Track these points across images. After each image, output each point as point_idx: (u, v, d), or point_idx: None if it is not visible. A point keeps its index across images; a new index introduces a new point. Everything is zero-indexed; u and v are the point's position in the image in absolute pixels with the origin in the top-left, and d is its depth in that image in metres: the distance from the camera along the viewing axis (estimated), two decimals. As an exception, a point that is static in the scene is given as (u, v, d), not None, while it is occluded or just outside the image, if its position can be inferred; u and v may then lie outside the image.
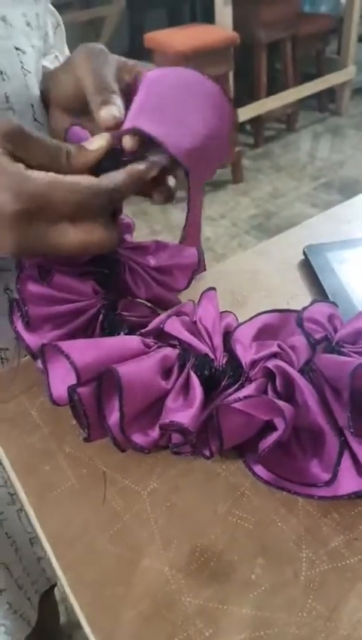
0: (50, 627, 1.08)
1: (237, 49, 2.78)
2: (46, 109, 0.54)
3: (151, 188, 0.48)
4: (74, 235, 0.40)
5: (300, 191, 2.96)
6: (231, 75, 2.85)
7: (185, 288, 0.51)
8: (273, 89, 3.27)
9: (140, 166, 0.43)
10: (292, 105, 3.38)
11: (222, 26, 2.78)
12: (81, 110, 0.50)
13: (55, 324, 0.43)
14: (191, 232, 0.49)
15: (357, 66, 3.52)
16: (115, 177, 0.41)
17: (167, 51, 2.66)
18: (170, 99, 0.46)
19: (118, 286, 0.48)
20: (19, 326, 0.44)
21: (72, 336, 0.44)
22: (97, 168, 0.43)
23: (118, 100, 0.45)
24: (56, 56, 0.63)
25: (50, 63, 0.60)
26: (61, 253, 0.41)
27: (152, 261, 0.49)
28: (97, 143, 0.44)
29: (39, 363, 0.43)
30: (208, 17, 3.02)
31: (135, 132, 0.44)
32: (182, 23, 3.20)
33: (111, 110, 0.44)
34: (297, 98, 3.34)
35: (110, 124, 0.44)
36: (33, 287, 0.44)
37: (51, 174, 0.39)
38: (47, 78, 0.54)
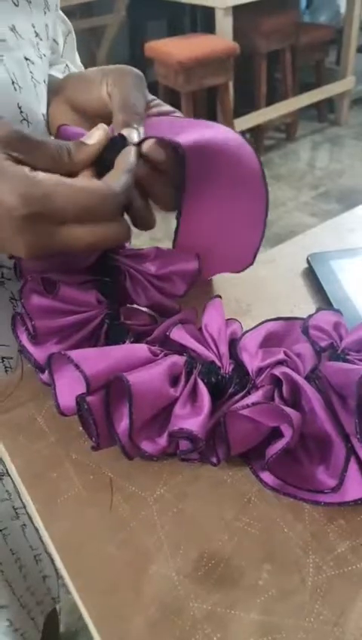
0: (47, 631, 1.08)
1: (237, 59, 2.80)
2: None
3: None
4: (83, 234, 0.40)
5: (299, 200, 2.98)
6: (231, 84, 2.87)
7: (184, 295, 0.51)
8: (273, 99, 3.29)
9: (131, 158, 0.43)
10: (291, 114, 3.41)
11: (223, 36, 2.80)
12: (85, 114, 0.51)
13: (61, 336, 0.44)
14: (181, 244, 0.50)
15: (356, 77, 3.55)
16: (120, 179, 0.42)
17: (168, 61, 2.68)
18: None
19: (118, 294, 0.49)
20: (24, 339, 0.44)
21: (77, 347, 0.44)
22: (99, 160, 0.43)
23: (140, 126, 0.46)
24: (67, 66, 0.63)
25: (60, 74, 0.60)
26: (73, 251, 0.41)
27: (152, 268, 0.49)
28: (96, 136, 0.44)
29: (43, 376, 0.44)
30: (208, 27, 3.04)
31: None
32: (182, 33, 3.23)
33: (132, 134, 0.45)
34: (296, 108, 3.37)
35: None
36: (37, 300, 0.44)
37: (57, 177, 0.39)
38: (67, 80, 0.54)
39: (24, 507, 0.72)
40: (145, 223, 0.48)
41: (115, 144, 0.44)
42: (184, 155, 0.43)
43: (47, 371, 0.42)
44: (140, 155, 0.45)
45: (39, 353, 0.42)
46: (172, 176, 0.46)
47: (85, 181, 0.41)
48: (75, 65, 0.66)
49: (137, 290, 0.49)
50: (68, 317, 0.43)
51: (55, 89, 0.54)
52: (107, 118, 0.48)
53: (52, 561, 0.83)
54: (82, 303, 0.45)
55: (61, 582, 0.87)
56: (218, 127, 0.49)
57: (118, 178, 0.42)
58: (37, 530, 0.75)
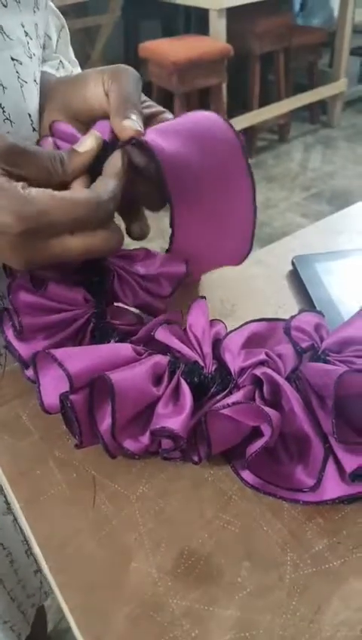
0: (34, 630, 1.08)
1: (231, 60, 2.81)
2: (40, 114, 0.55)
3: (130, 220, 0.50)
4: (76, 244, 0.41)
5: (291, 201, 2.99)
6: (224, 85, 2.88)
7: (170, 296, 0.51)
8: (266, 100, 3.30)
9: (119, 163, 0.44)
10: (284, 116, 3.42)
11: (216, 38, 2.80)
12: (79, 120, 0.51)
13: (47, 333, 0.44)
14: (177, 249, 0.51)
15: (348, 79, 3.57)
16: (108, 186, 0.42)
17: (162, 61, 2.69)
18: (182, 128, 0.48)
19: (106, 293, 0.49)
20: (10, 335, 0.44)
21: (63, 344, 0.44)
22: (92, 166, 0.44)
23: (140, 119, 0.46)
24: (60, 62, 0.63)
25: (54, 70, 0.60)
26: (67, 260, 0.42)
27: (141, 269, 0.50)
28: (87, 144, 0.44)
29: (28, 372, 0.44)
30: (202, 29, 3.04)
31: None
32: (176, 34, 3.23)
33: (133, 125, 0.45)
34: (289, 109, 3.38)
35: (127, 135, 0.45)
36: (25, 297, 0.44)
37: (49, 192, 0.40)
38: (56, 85, 0.54)
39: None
40: (141, 234, 0.49)
41: (107, 149, 0.45)
42: (160, 165, 0.44)
43: (31, 368, 0.43)
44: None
45: (25, 349, 0.43)
46: (154, 178, 0.47)
47: (76, 193, 0.42)
48: (69, 60, 0.66)
49: (125, 291, 0.49)
50: (55, 314, 0.44)
51: (46, 95, 0.54)
52: (97, 119, 0.48)
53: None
54: (69, 301, 0.45)
55: None
56: (189, 114, 0.49)
57: (106, 185, 0.42)
58: None
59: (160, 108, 0.52)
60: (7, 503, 0.72)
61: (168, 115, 0.52)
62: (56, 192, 0.40)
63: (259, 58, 3.15)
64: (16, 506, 0.42)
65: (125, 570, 0.37)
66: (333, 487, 0.38)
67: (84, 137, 0.45)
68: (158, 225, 0.55)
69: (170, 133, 0.46)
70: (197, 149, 0.47)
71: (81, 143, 0.45)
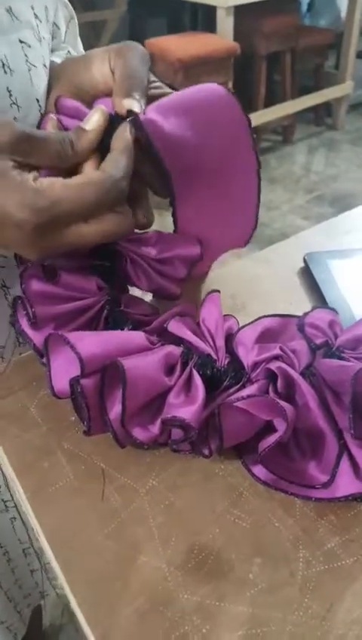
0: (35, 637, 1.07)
1: (237, 59, 2.80)
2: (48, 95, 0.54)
3: (134, 207, 0.49)
4: (89, 231, 0.41)
5: (293, 203, 2.98)
6: (230, 84, 2.87)
7: (185, 278, 0.51)
8: (271, 100, 3.29)
9: (127, 136, 0.43)
10: (288, 117, 3.41)
11: (223, 36, 2.79)
12: (87, 98, 0.50)
13: (60, 322, 0.43)
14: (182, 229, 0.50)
15: (354, 82, 3.56)
16: (118, 163, 0.42)
17: (168, 58, 2.68)
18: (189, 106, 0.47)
19: (119, 278, 0.49)
20: (24, 324, 0.44)
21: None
22: (101, 143, 0.43)
23: (143, 97, 0.45)
24: (68, 52, 0.62)
25: (62, 60, 0.59)
26: (81, 247, 0.42)
27: (153, 252, 0.49)
28: (94, 120, 0.44)
29: (44, 360, 0.43)
30: (209, 26, 3.03)
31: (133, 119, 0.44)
32: (182, 31, 3.22)
33: (133, 104, 0.44)
34: (294, 110, 3.37)
35: (124, 113, 0.45)
36: (38, 286, 0.43)
37: (61, 181, 0.39)
38: (63, 65, 0.53)
39: (13, 500, 0.72)
40: (145, 223, 0.49)
41: (114, 124, 0.44)
42: (155, 145, 0.44)
43: (42, 342, 0.42)
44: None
45: (39, 338, 0.42)
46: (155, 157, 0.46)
47: (88, 177, 0.41)
48: (77, 51, 0.65)
49: (138, 274, 0.48)
50: (68, 303, 0.43)
51: (54, 75, 0.53)
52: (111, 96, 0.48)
53: (37, 556, 0.82)
54: (83, 290, 0.45)
55: (47, 576, 0.87)
56: (195, 88, 0.49)
57: (116, 162, 0.42)
58: (25, 523, 0.75)
59: (167, 89, 0.51)
60: (5, 501, 0.71)
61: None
62: (67, 181, 0.40)
63: (266, 58, 3.14)
64: (23, 497, 0.41)
65: (134, 565, 0.37)
66: (347, 484, 0.37)
67: (90, 113, 0.44)
68: (162, 221, 0.55)
69: (171, 110, 0.46)
70: (200, 125, 0.46)
71: (88, 119, 0.44)
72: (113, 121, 0.44)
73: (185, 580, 0.36)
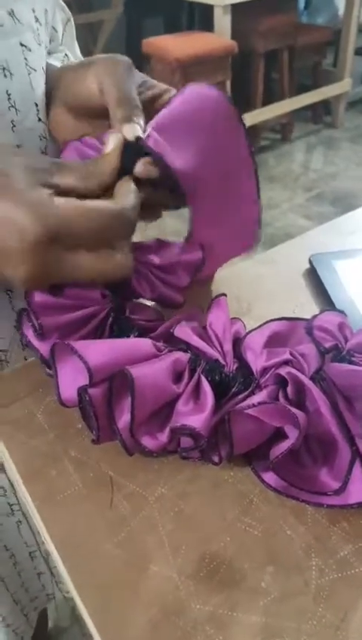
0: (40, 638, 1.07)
1: (235, 58, 2.79)
2: (47, 106, 0.54)
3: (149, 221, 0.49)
4: (87, 262, 0.40)
5: (293, 202, 2.98)
6: (228, 83, 2.87)
7: (188, 287, 0.50)
8: (269, 99, 3.29)
9: (131, 185, 0.43)
10: (287, 115, 3.41)
11: (221, 35, 2.79)
12: (87, 113, 0.50)
13: (66, 332, 0.43)
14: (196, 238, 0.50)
15: (352, 79, 3.56)
16: (128, 197, 0.42)
17: (165, 58, 2.67)
18: (185, 120, 0.47)
19: (122, 287, 0.48)
20: (30, 335, 0.43)
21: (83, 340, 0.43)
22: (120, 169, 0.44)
23: (140, 118, 0.46)
24: (65, 55, 0.62)
25: (59, 62, 0.59)
26: (72, 281, 0.41)
27: (156, 260, 0.49)
28: (111, 143, 0.44)
29: (51, 371, 0.43)
30: (206, 25, 3.03)
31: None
32: (179, 31, 3.22)
33: (134, 129, 0.44)
34: (292, 109, 3.36)
35: (130, 139, 0.45)
36: (41, 298, 0.42)
37: (74, 201, 0.39)
38: (59, 75, 0.53)
39: (19, 504, 0.71)
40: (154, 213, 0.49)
41: (131, 149, 0.44)
42: (177, 178, 0.44)
43: (48, 352, 0.42)
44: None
45: (45, 348, 0.42)
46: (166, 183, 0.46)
47: (100, 202, 0.40)
48: (74, 54, 0.65)
49: (141, 283, 0.48)
50: (73, 312, 0.43)
51: (53, 83, 0.53)
52: (97, 110, 0.48)
53: (45, 559, 0.82)
54: (87, 298, 0.44)
55: (54, 579, 0.87)
56: (190, 95, 0.48)
57: (127, 194, 0.42)
58: (31, 527, 0.75)
59: (162, 87, 0.51)
60: (10, 504, 0.71)
61: (171, 92, 0.51)
62: (80, 202, 0.39)
63: (263, 56, 3.13)
64: (31, 505, 0.41)
65: (145, 574, 0.36)
66: (359, 490, 0.37)
67: (107, 138, 0.44)
68: (160, 223, 0.55)
69: (172, 127, 0.46)
70: (200, 136, 0.47)
71: (106, 144, 0.44)
72: (132, 147, 0.45)
73: (196, 589, 0.35)
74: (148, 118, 0.47)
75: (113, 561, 0.37)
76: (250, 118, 3.16)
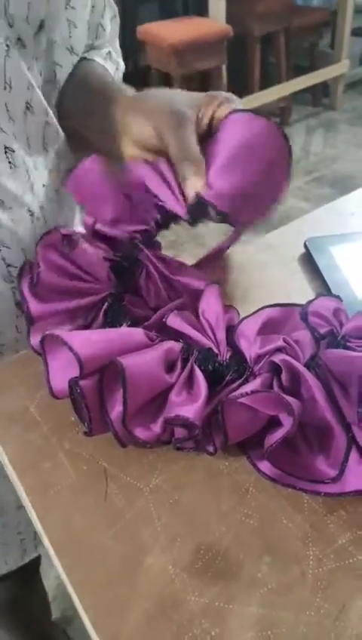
0: (37, 615, 1.07)
1: (231, 42, 2.76)
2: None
3: None
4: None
5: (293, 185, 2.94)
6: (224, 68, 2.84)
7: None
8: (266, 83, 3.25)
9: None
10: (285, 99, 3.37)
11: (216, 19, 2.76)
12: (147, 148, 0.52)
13: (61, 297, 0.43)
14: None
15: (350, 60, 3.52)
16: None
17: (160, 44, 2.64)
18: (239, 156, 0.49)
19: (130, 283, 0.48)
20: (26, 289, 0.43)
21: (74, 313, 0.43)
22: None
23: (202, 172, 0.48)
24: (109, 52, 0.64)
25: (102, 59, 0.61)
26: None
27: (169, 275, 0.50)
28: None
29: (32, 339, 0.43)
30: (200, 10, 2.99)
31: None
32: (174, 16, 3.18)
33: (196, 185, 0.47)
34: (290, 92, 3.33)
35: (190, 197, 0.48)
36: (52, 255, 0.44)
37: None
38: (115, 110, 0.54)
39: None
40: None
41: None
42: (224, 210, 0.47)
43: (38, 343, 0.41)
44: None
45: (36, 306, 0.41)
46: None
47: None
48: (114, 49, 0.67)
49: (148, 288, 0.48)
50: (74, 281, 0.43)
51: (120, 122, 0.54)
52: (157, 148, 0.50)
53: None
54: (92, 273, 0.44)
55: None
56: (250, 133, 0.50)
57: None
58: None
59: (222, 97, 0.53)
60: None
61: (232, 102, 0.53)
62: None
63: (259, 39, 3.10)
64: (25, 499, 0.41)
65: (140, 567, 0.36)
66: (356, 478, 0.36)
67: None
68: (191, 230, 0.55)
69: (228, 169, 0.47)
70: (254, 172, 0.49)
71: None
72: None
73: (192, 581, 0.35)
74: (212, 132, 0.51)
75: (108, 554, 0.36)
76: (248, 103, 3.12)
